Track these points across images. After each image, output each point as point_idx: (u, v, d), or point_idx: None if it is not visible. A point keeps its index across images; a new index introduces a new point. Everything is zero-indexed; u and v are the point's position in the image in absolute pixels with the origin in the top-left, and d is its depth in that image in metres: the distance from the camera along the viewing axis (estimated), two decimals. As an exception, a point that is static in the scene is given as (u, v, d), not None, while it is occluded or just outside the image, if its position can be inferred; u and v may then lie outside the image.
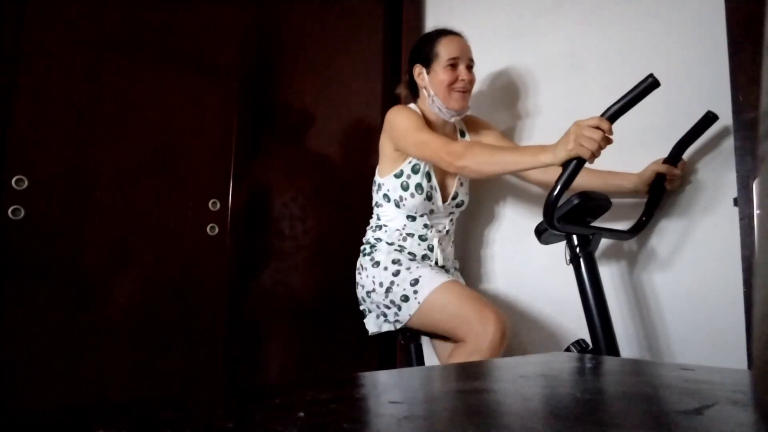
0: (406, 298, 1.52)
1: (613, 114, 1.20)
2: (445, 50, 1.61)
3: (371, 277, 1.62)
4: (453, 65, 1.60)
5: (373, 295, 1.61)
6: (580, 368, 0.60)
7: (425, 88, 1.64)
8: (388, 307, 1.58)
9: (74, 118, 1.48)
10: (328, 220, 1.99)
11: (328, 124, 2.04)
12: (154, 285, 1.58)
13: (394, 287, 1.55)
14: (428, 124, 1.62)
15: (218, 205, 1.70)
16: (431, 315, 1.50)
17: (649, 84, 1.16)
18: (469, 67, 1.63)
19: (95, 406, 0.37)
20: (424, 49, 1.65)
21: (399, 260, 1.60)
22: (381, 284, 1.59)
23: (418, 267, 1.56)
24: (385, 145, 1.66)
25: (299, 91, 1.97)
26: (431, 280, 1.51)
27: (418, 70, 1.66)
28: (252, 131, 1.81)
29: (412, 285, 1.52)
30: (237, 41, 1.78)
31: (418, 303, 1.50)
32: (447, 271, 1.73)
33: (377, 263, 1.62)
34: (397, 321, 1.58)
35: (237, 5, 1.79)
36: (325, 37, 2.06)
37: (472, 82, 1.64)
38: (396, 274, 1.57)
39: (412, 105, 1.69)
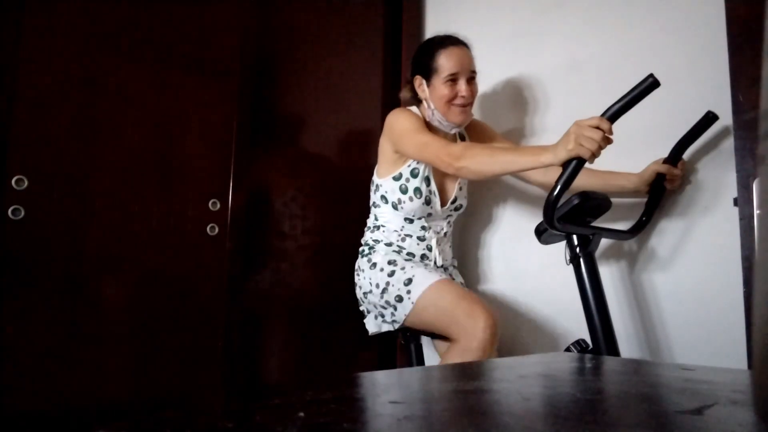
0: (400, 299, 1.53)
1: (613, 114, 1.20)
2: (444, 64, 1.57)
3: (368, 278, 1.62)
4: (453, 80, 1.57)
5: (369, 296, 1.62)
6: (580, 368, 0.60)
7: (426, 99, 1.63)
8: (385, 308, 1.58)
9: (74, 119, 1.48)
10: (328, 219, 1.99)
11: (328, 124, 2.04)
12: (154, 285, 1.58)
13: (390, 288, 1.56)
14: (429, 128, 1.62)
15: (218, 205, 1.70)
16: (425, 314, 1.51)
17: (649, 84, 1.16)
18: (471, 80, 1.61)
19: (95, 406, 0.37)
20: (424, 60, 1.62)
21: (395, 261, 1.60)
22: (377, 285, 1.59)
23: (412, 267, 1.56)
24: (385, 147, 1.66)
25: (299, 91, 1.97)
26: (424, 280, 1.51)
27: (419, 82, 1.64)
28: (252, 131, 1.81)
29: (405, 285, 1.53)
30: (237, 41, 1.78)
31: (412, 303, 1.50)
32: (446, 269, 1.73)
33: (374, 264, 1.62)
34: (394, 321, 1.59)
35: (237, 5, 1.79)
36: (325, 37, 2.06)
37: (473, 94, 1.62)
38: (391, 274, 1.57)
39: (413, 108, 1.69)
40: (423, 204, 1.63)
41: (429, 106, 1.63)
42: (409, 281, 1.53)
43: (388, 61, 2.23)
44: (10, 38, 1.39)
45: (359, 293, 1.68)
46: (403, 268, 1.57)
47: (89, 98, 1.51)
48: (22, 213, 1.38)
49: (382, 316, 1.62)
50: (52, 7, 1.45)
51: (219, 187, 1.71)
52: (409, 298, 1.51)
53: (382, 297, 1.58)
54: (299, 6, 1.99)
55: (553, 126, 1.83)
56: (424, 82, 1.63)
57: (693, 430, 0.32)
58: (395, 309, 1.55)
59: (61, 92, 1.46)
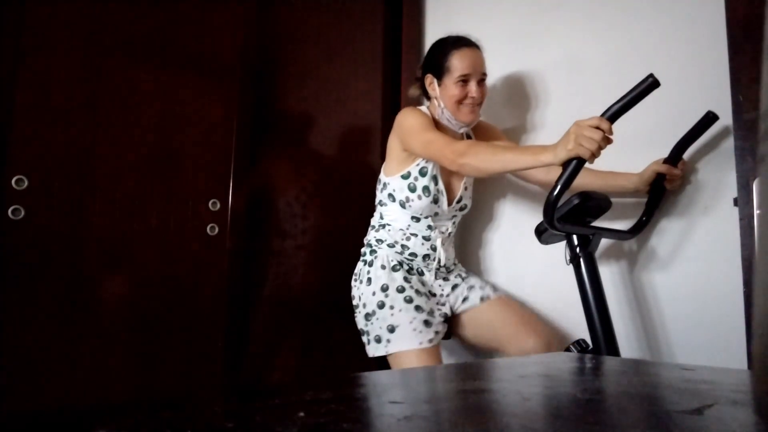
0: (378, 339, 1.54)
1: (613, 114, 1.20)
2: (457, 65, 1.59)
3: (361, 291, 1.63)
4: (464, 81, 1.59)
5: (357, 314, 1.64)
6: (580, 368, 0.60)
7: (436, 98, 1.65)
8: (368, 333, 1.59)
9: (74, 118, 1.48)
10: (329, 219, 1.99)
11: (328, 124, 2.04)
12: (154, 285, 1.58)
13: (373, 320, 1.56)
14: (437, 126, 1.63)
15: (218, 205, 1.70)
16: (394, 368, 1.52)
17: (649, 84, 1.16)
18: (481, 81, 1.62)
19: (95, 406, 0.37)
20: (437, 59, 1.63)
21: (387, 288, 1.58)
22: (365, 305, 1.60)
23: (401, 310, 1.54)
24: (393, 145, 1.66)
25: (299, 90, 1.97)
26: (404, 339, 1.51)
27: (430, 80, 1.66)
28: (252, 131, 1.81)
29: (388, 331, 1.53)
30: (237, 41, 1.78)
31: (387, 352, 1.52)
32: (447, 268, 1.72)
33: (369, 280, 1.62)
34: (369, 348, 1.60)
35: (237, 5, 1.79)
36: (324, 36, 2.06)
37: (483, 96, 1.64)
38: (381, 306, 1.56)
39: (422, 107, 1.70)
40: (431, 203, 1.63)
41: (439, 105, 1.64)
42: (392, 329, 1.52)
43: (388, 60, 2.23)
44: (11, 38, 1.39)
45: (353, 301, 1.69)
46: (391, 307, 1.55)
47: (90, 98, 1.51)
48: (22, 213, 1.38)
49: (366, 334, 1.62)
50: (52, 7, 1.45)
51: (219, 187, 1.71)
52: (386, 347, 1.52)
53: (366, 323, 1.59)
54: (300, 6, 1.99)
55: (553, 125, 1.83)
56: (435, 80, 1.64)
57: (693, 430, 0.32)
58: (370, 343, 1.58)
59: (62, 92, 1.46)
